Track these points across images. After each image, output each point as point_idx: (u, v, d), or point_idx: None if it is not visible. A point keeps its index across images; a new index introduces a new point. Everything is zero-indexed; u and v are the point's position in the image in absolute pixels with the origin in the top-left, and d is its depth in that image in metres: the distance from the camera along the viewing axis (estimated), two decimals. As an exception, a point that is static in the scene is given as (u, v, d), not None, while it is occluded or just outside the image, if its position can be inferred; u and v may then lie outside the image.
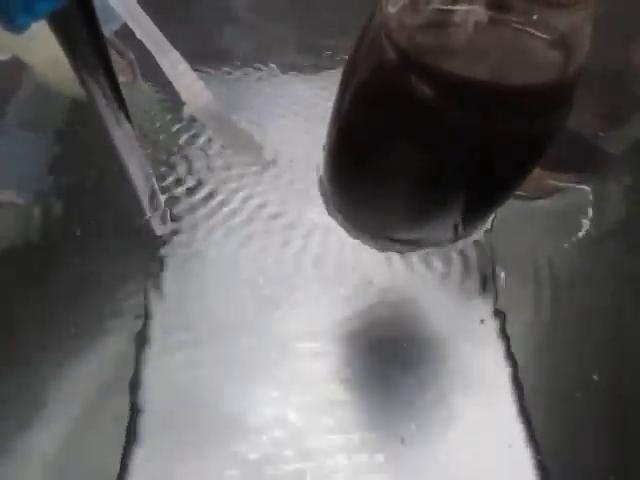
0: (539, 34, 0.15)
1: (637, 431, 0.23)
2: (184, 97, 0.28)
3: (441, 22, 0.16)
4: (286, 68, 0.32)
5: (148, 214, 0.24)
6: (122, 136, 0.18)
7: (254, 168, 0.28)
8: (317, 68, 0.32)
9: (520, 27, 0.15)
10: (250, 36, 0.34)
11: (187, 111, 0.30)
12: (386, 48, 0.16)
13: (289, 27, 0.34)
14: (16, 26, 0.12)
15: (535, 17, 0.15)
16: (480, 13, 0.15)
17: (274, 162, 0.29)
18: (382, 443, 0.22)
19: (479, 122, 0.16)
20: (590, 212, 0.28)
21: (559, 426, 0.23)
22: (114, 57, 0.30)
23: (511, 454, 0.22)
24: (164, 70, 0.28)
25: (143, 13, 0.26)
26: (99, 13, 0.14)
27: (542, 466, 0.22)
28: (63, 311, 0.24)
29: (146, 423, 0.22)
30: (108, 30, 0.30)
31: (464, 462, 0.22)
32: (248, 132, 0.29)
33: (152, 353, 0.23)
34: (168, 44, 0.27)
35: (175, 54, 0.27)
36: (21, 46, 0.30)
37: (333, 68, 0.32)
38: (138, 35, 0.26)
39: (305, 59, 0.33)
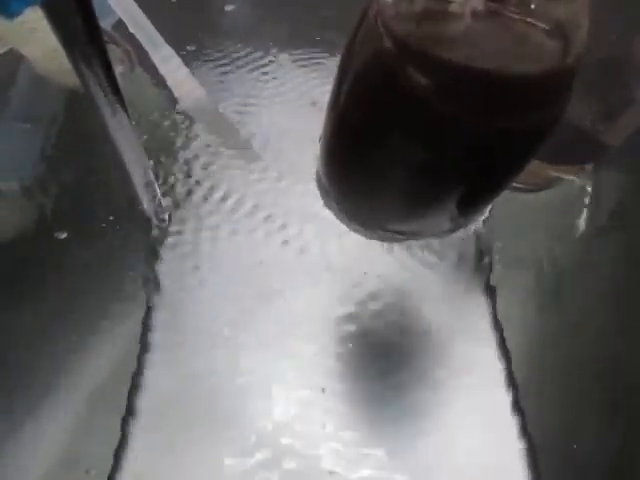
0: (537, 23, 0.15)
1: (635, 428, 0.23)
2: (177, 93, 0.28)
3: (438, 11, 0.16)
4: (281, 58, 0.32)
5: (144, 204, 0.24)
6: (118, 126, 0.18)
7: (249, 163, 0.28)
8: (313, 58, 0.32)
9: (518, 16, 0.15)
10: (244, 26, 0.34)
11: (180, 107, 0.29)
12: (383, 37, 0.16)
13: (284, 16, 0.34)
14: (9, 12, 0.12)
15: (533, 6, 0.15)
16: (478, 2, 0.15)
17: (265, 154, 0.28)
18: (377, 439, 0.22)
19: (476, 111, 0.16)
20: (588, 204, 0.28)
21: (553, 421, 0.23)
22: (111, 48, 0.30)
23: (504, 448, 0.22)
24: (157, 65, 0.27)
25: (136, 6, 0.26)
26: (98, 6, 0.14)
27: (534, 460, 0.22)
28: (62, 307, 0.24)
29: (145, 416, 0.22)
30: (107, 23, 0.30)
31: (457, 456, 0.22)
32: (239, 129, 0.29)
33: (152, 348, 0.23)
34: (161, 39, 0.27)
35: (168, 49, 0.27)
36: (18, 38, 0.30)
37: (330, 58, 0.32)
38: (131, 29, 0.26)
39: (301, 49, 0.32)
